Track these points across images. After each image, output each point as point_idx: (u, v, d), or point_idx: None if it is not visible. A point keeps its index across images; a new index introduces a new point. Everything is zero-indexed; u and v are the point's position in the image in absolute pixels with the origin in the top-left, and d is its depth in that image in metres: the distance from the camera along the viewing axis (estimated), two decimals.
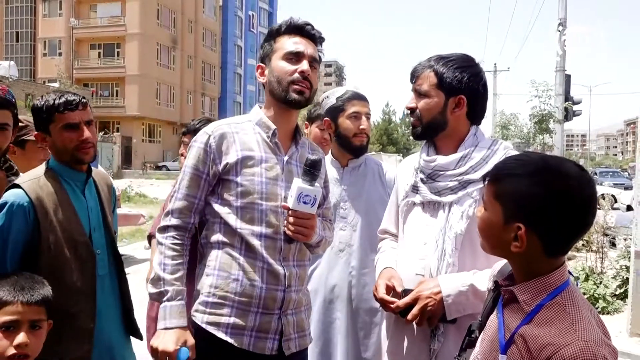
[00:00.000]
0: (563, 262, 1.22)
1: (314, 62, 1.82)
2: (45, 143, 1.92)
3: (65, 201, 1.88)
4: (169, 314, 1.69)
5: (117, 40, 42.45)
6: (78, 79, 41.67)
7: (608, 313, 5.54)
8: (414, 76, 1.85)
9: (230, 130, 1.81)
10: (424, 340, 1.75)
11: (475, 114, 1.82)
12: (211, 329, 1.73)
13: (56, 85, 32.07)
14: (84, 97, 1.95)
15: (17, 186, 1.82)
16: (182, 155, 2.97)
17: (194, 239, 1.87)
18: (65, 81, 35.41)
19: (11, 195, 1.79)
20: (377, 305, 1.90)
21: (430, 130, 1.83)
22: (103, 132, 29.37)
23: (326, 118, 2.50)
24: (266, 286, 1.73)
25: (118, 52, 42.86)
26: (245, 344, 1.72)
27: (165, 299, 1.70)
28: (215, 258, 1.77)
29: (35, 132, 1.94)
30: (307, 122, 2.89)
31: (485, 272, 1.62)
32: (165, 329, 1.68)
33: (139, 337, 2.12)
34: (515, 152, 1.58)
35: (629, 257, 5.30)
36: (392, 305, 1.76)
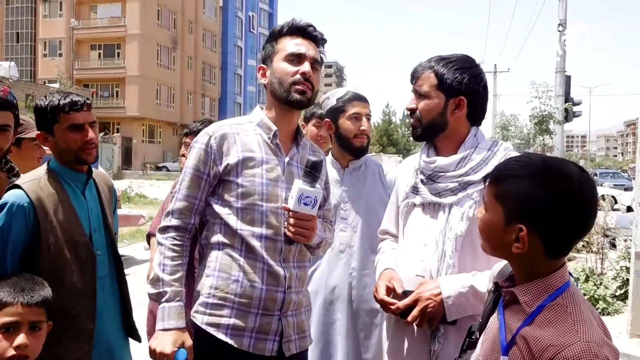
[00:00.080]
0: (564, 263, 1.22)
1: (316, 63, 1.82)
2: (47, 143, 1.93)
3: (66, 202, 1.88)
4: (167, 315, 1.69)
5: (118, 41, 42.47)
6: (78, 80, 41.69)
7: (608, 314, 5.53)
8: (414, 77, 1.85)
9: (231, 131, 1.81)
10: (424, 342, 1.75)
11: (476, 115, 1.82)
12: (211, 330, 1.72)
13: (56, 85, 32.11)
14: (88, 98, 1.96)
15: (18, 187, 1.82)
16: (183, 156, 2.97)
17: (194, 240, 1.87)
18: (66, 82, 35.41)
19: (11, 196, 1.79)
20: (378, 306, 1.90)
21: (431, 131, 1.82)
22: (103, 133, 29.34)
23: (327, 119, 2.50)
24: (266, 287, 1.73)
25: (118, 53, 42.88)
26: (245, 345, 1.72)
27: (164, 299, 1.70)
28: (216, 259, 1.77)
29: (38, 132, 1.94)
30: (303, 123, 2.89)
31: (485, 274, 1.62)
32: (164, 330, 1.68)
33: (138, 339, 2.12)
34: (516, 153, 1.58)
35: (629, 258, 5.30)
36: (392, 307, 1.76)
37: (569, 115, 14.12)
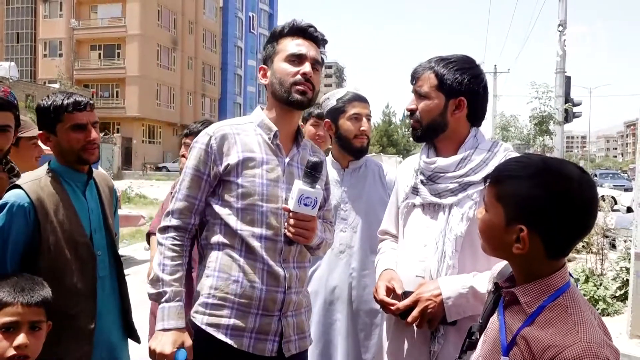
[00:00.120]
0: (564, 263, 1.22)
1: (317, 64, 1.82)
2: (49, 143, 1.93)
3: (66, 202, 1.88)
4: (167, 315, 1.69)
5: (118, 41, 42.48)
6: (78, 80, 41.69)
7: (608, 315, 5.53)
8: (414, 77, 1.85)
9: (232, 132, 1.81)
10: (424, 342, 1.75)
11: (476, 115, 1.82)
12: (211, 330, 1.72)
13: (56, 86, 32.10)
14: (90, 99, 1.97)
15: (18, 187, 1.82)
16: (182, 156, 2.97)
17: (192, 240, 1.87)
18: (66, 82, 35.40)
19: (12, 196, 1.80)
20: (378, 306, 1.90)
21: (431, 132, 1.82)
22: (103, 133, 29.31)
23: (327, 119, 2.51)
24: (266, 288, 1.73)
25: (118, 53, 42.89)
26: (245, 345, 1.72)
27: (163, 299, 1.70)
28: (216, 259, 1.77)
29: (40, 132, 1.94)
30: (301, 123, 2.89)
31: (485, 274, 1.62)
32: (163, 330, 1.67)
33: (136, 339, 2.12)
34: (516, 154, 1.58)
35: (629, 259, 5.30)
36: (392, 307, 1.75)
37: (569, 116, 14.13)
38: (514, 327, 1.20)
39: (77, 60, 42.81)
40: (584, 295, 5.56)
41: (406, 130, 50.12)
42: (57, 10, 43.46)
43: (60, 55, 42.97)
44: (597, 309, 5.48)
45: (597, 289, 5.78)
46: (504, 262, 1.39)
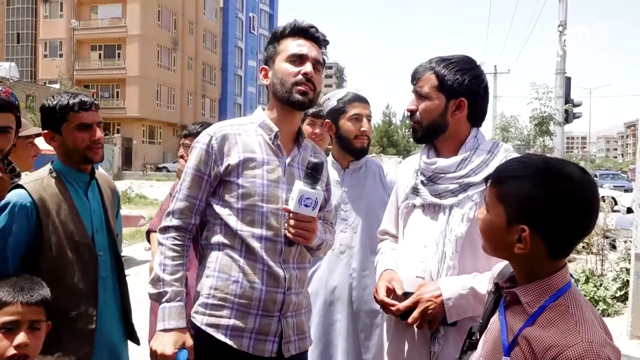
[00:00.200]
0: (565, 264, 1.22)
1: (318, 64, 1.82)
2: (54, 143, 1.94)
3: (68, 202, 1.89)
4: (168, 315, 1.69)
5: (118, 42, 42.49)
6: (79, 80, 41.71)
7: (608, 315, 5.53)
8: (415, 78, 1.85)
9: (233, 132, 1.81)
10: (424, 343, 1.75)
11: (476, 116, 1.82)
12: (211, 331, 1.72)
13: (57, 86, 32.11)
14: (95, 99, 1.99)
15: (21, 187, 1.83)
16: (181, 157, 2.97)
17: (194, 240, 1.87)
18: (66, 82, 35.42)
19: (14, 196, 1.80)
20: (378, 307, 1.90)
21: (431, 132, 1.82)
22: (104, 134, 29.30)
23: (327, 120, 2.51)
24: (266, 288, 1.73)
25: (119, 54, 42.91)
26: (245, 346, 1.72)
27: (164, 299, 1.70)
28: (216, 259, 1.76)
29: (44, 132, 1.96)
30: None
31: (485, 275, 1.62)
32: (164, 330, 1.67)
33: (136, 341, 2.12)
34: (516, 155, 1.58)
35: (629, 260, 5.30)
36: (392, 308, 1.75)
37: (569, 117, 14.12)
38: (515, 327, 1.20)
39: (78, 60, 42.84)
40: (584, 295, 5.56)
41: (406, 130, 50.15)
42: (58, 11, 43.48)
43: (61, 55, 42.99)
44: (597, 310, 5.46)
45: (597, 289, 5.78)
46: (504, 263, 1.40)
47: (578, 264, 6.78)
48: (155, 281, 1.73)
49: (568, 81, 14.04)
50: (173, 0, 45.30)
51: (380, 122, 52.20)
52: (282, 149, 1.83)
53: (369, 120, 2.50)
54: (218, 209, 1.77)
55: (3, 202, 1.80)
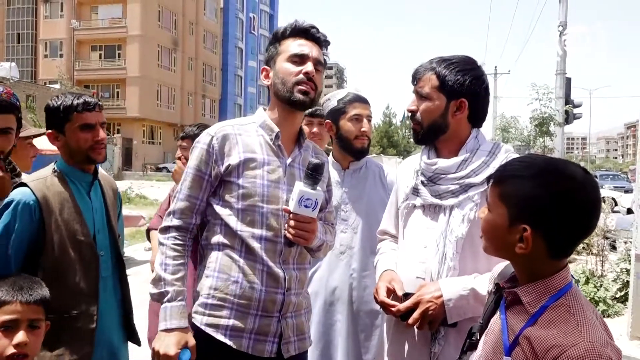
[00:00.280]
0: (566, 264, 1.22)
1: (319, 64, 1.82)
2: (57, 142, 1.96)
3: (71, 201, 1.90)
4: (170, 315, 1.68)
5: (118, 42, 42.51)
6: (79, 81, 41.71)
7: (608, 316, 5.53)
8: (416, 78, 1.84)
9: (233, 132, 1.81)
10: (424, 344, 1.75)
11: (477, 117, 1.82)
12: (210, 331, 1.72)
13: (57, 86, 32.12)
14: (99, 100, 2.01)
15: (24, 185, 1.84)
16: (178, 159, 2.98)
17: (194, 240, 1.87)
18: (66, 83, 35.44)
19: (18, 194, 1.82)
20: (378, 307, 1.90)
21: (432, 133, 1.82)
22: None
23: (327, 120, 2.50)
24: (266, 289, 1.73)
25: (119, 54, 42.93)
26: (244, 346, 1.72)
27: (165, 299, 1.70)
28: (216, 260, 1.76)
29: (48, 131, 1.97)
30: None
31: (485, 276, 1.62)
32: (166, 330, 1.67)
33: (137, 342, 2.12)
34: (516, 156, 1.58)
35: (630, 260, 5.30)
36: (393, 309, 1.75)
37: (569, 117, 14.12)
38: (516, 327, 1.20)
39: (78, 60, 42.85)
40: (585, 296, 5.55)
41: (406, 131, 50.15)
42: (58, 11, 43.50)
43: (61, 55, 43.01)
44: (598, 311, 5.47)
45: (598, 290, 5.78)
46: (505, 263, 1.40)
47: (578, 264, 6.77)
48: (157, 281, 1.73)
49: (568, 82, 14.04)
50: (173, 1, 45.32)
51: (381, 122, 52.21)
52: (282, 149, 1.83)
53: (370, 121, 2.50)
54: (218, 209, 1.77)
55: (7, 200, 1.81)
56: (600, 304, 5.60)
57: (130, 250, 8.90)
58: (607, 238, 6.93)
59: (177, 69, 46.75)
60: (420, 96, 1.81)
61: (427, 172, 1.82)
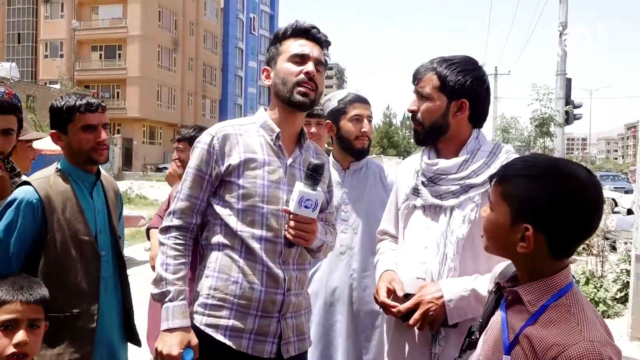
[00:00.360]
0: (567, 264, 1.22)
1: (320, 64, 1.82)
2: (60, 142, 1.97)
3: (74, 201, 1.91)
4: (172, 314, 1.68)
5: (119, 42, 42.53)
6: (79, 81, 41.69)
7: (608, 317, 5.53)
8: (416, 78, 1.84)
9: (234, 132, 1.80)
10: (425, 344, 1.74)
11: (477, 117, 1.81)
12: (210, 331, 1.72)
13: (57, 86, 32.11)
14: (102, 101, 2.03)
15: (27, 183, 1.85)
16: (175, 160, 2.98)
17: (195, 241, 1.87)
18: (67, 83, 35.40)
19: (21, 192, 1.83)
20: (378, 307, 1.90)
21: (433, 134, 1.81)
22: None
23: (328, 120, 2.50)
24: (265, 289, 1.73)
25: (119, 54, 42.95)
26: (244, 346, 1.71)
27: (167, 299, 1.70)
28: (215, 260, 1.76)
29: (51, 131, 1.98)
30: None
31: (486, 277, 1.61)
32: (169, 330, 1.66)
33: (137, 343, 2.12)
34: (517, 156, 1.58)
35: (630, 261, 5.30)
36: (393, 310, 1.75)
37: (569, 118, 14.11)
38: (516, 326, 1.20)
39: (78, 61, 42.84)
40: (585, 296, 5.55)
41: (407, 131, 50.15)
42: (59, 11, 43.52)
43: (61, 55, 43.01)
44: (598, 311, 5.47)
45: (598, 291, 5.78)
46: (505, 263, 1.40)
47: (578, 265, 6.77)
48: (158, 281, 1.73)
49: (568, 82, 14.03)
50: (174, 1, 45.34)
51: (381, 123, 52.21)
52: (283, 149, 1.82)
53: (370, 121, 2.50)
54: (218, 209, 1.77)
55: (10, 198, 1.83)
56: (601, 305, 5.60)
57: (130, 250, 8.90)
58: (607, 239, 6.94)
59: (178, 69, 46.76)
60: (421, 96, 1.81)
61: (428, 172, 1.82)
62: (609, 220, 7.18)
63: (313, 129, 2.71)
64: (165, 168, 38.05)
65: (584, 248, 6.85)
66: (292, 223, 1.71)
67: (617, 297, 5.82)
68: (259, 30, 61.48)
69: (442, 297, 1.66)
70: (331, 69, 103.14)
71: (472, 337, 1.39)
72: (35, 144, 2.67)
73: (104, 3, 43.17)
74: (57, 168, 1.95)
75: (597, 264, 6.44)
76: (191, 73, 48.90)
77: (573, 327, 1.12)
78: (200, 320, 1.74)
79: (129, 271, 2.20)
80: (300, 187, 1.69)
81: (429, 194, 1.80)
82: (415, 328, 1.71)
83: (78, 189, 1.95)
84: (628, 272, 5.50)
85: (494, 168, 1.67)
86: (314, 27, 1.84)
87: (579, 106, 14.61)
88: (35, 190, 1.83)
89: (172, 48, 45.77)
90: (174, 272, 1.72)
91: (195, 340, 1.68)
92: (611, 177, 30.06)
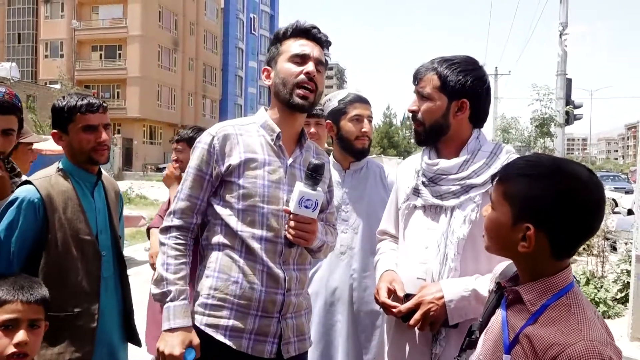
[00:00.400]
0: (568, 264, 1.22)
1: (320, 64, 1.82)
2: (61, 142, 1.98)
3: (75, 200, 1.91)
4: (173, 314, 1.68)
5: (119, 42, 42.54)
6: (79, 81, 41.68)
7: (609, 317, 5.53)
8: (417, 78, 1.83)
9: (235, 132, 1.80)
10: (425, 345, 1.74)
11: (478, 117, 1.81)
12: (210, 331, 1.72)
13: (57, 87, 32.12)
14: (104, 102, 2.03)
15: (29, 183, 1.85)
16: (173, 161, 2.98)
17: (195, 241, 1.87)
18: (67, 83, 35.41)
19: (23, 191, 1.83)
20: (379, 308, 1.90)
21: (433, 134, 1.81)
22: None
23: (328, 121, 2.50)
24: (266, 289, 1.73)
25: (119, 54, 42.95)
26: (244, 346, 1.71)
27: (168, 299, 1.69)
28: (216, 260, 1.76)
29: (53, 131, 1.99)
30: None
31: (486, 277, 1.61)
32: (170, 330, 1.66)
33: (137, 343, 2.12)
34: (517, 156, 1.58)
35: (630, 261, 5.30)
36: (394, 310, 1.75)
37: (570, 118, 14.11)
38: (516, 325, 1.20)
39: (78, 61, 42.84)
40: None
41: (407, 131, 50.15)
42: (59, 11, 43.53)
43: (62, 56, 43.01)
44: (598, 312, 5.46)
45: (598, 291, 5.78)
46: (506, 263, 1.39)
47: (578, 265, 6.77)
48: (159, 281, 1.73)
49: (569, 83, 14.03)
50: (174, 1, 45.34)
51: (381, 123, 52.21)
52: (283, 149, 1.82)
53: (370, 121, 2.50)
54: (219, 209, 1.77)
55: (12, 197, 1.83)
56: (601, 305, 5.60)
57: (130, 250, 8.90)
58: (607, 239, 6.94)
59: (178, 69, 46.77)
60: (422, 96, 1.81)
61: (428, 172, 1.82)
62: (609, 221, 7.18)
63: (312, 129, 2.71)
64: (166, 168, 38.06)
65: (584, 248, 6.84)
66: (292, 223, 1.71)
67: (618, 297, 5.82)
68: (259, 30, 61.49)
69: (442, 297, 1.66)
70: (331, 69, 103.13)
71: (472, 337, 1.39)
72: (36, 144, 2.67)
73: (104, 3, 43.19)
74: (58, 168, 1.96)
75: (598, 264, 6.44)
76: (191, 73, 48.92)
77: (573, 326, 1.12)
78: (200, 320, 1.74)
79: (129, 271, 2.20)
80: (300, 187, 1.69)
81: (429, 194, 1.80)
82: (416, 328, 1.71)
83: (79, 188, 1.96)
84: (628, 272, 5.50)
85: (494, 168, 1.67)
86: (315, 27, 1.84)
87: (579, 106, 14.60)
88: (37, 189, 1.84)
89: (172, 48, 45.78)
90: (175, 272, 1.72)
91: (196, 340, 1.68)
92: (611, 177, 30.04)
